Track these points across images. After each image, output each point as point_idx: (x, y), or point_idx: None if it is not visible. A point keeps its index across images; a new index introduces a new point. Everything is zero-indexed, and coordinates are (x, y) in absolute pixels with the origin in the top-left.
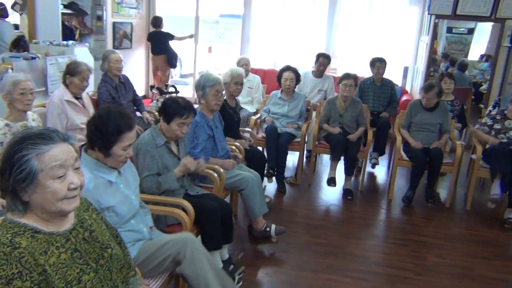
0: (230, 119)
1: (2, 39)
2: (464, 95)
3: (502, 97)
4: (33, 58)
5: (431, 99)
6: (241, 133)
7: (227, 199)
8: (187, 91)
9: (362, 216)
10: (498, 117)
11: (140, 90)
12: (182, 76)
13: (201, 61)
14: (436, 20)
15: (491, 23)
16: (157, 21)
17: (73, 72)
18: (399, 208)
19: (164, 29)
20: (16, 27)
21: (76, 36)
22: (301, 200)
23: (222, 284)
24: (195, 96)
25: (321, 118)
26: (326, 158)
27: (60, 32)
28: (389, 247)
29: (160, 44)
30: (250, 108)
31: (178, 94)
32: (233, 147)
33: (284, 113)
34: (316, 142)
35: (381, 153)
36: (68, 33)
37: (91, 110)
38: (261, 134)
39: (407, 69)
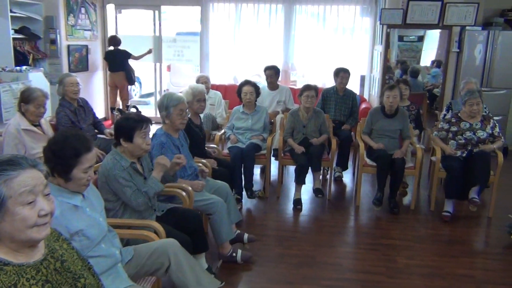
0: (196, 137)
1: None
2: (419, 100)
3: (453, 100)
4: None
5: (396, 96)
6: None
7: None
8: (148, 111)
9: (332, 224)
10: (453, 120)
11: (100, 113)
12: (142, 96)
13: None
14: (388, 30)
15: (439, 30)
16: (114, 40)
17: (27, 99)
18: (367, 214)
19: (123, 48)
20: None
21: (30, 61)
22: (271, 213)
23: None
24: (157, 115)
25: (286, 131)
26: (293, 169)
27: (12, 58)
28: (360, 253)
29: (117, 62)
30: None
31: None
32: (200, 164)
33: (249, 127)
34: (282, 154)
35: (344, 167)
36: (21, 59)
37: (51, 136)
38: (226, 151)
39: (363, 78)
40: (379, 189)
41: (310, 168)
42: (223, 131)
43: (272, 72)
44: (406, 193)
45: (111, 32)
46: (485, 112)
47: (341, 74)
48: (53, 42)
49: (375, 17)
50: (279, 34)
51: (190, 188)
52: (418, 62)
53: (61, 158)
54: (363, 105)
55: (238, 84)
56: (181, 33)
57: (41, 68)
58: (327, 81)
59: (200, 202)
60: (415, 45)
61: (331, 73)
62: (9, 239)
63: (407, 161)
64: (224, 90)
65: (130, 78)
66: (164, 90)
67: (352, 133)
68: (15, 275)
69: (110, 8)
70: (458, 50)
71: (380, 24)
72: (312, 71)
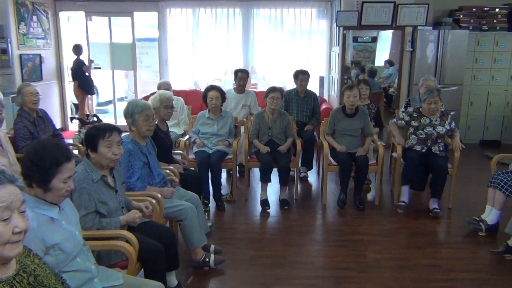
0: (163, 143)
1: None
2: (377, 98)
3: (411, 97)
4: None
5: (356, 96)
6: (173, 156)
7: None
8: (108, 120)
9: (301, 224)
10: (414, 115)
11: (56, 123)
12: (99, 104)
13: (118, 87)
14: (344, 32)
15: (391, 31)
16: (76, 49)
17: None
18: (334, 212)
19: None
20: None
21: None
22: (240, 216)
23: None
24: (118, 123)
25: (251, 132)
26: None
27: None
28: (330, 250)
29: (73, 71)
30: (178, 130)
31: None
32: (168, 171)
33: (214, 132)
34: (248, 157)
35: (309, 167)
36: None
37: (10, 150)
38: (191, 156)
39: (322, 79)
40: (342, 191)
41: (278, 177)
42: (187, 136)
43: (245, 75)
44: (369, 189)
45: (63, 40)
46: (443, 108)
47: (300, 76)
48: (4, 51)
49: (331, 19)
50: (238, 38)
51: (159, 196)
52: (373, 62)
53: (40, 168)
54: (324, 106)
55: (199, 89)
56: (139, 39)
57: None
58: (287, 83)
59: (170, 209)
60: (369, 45)
61: (291, 75)
62: None
63: (370, 158)
64: (185, 95)
65: (86, 88)
66: (124, 98)
67: (315, 133)
68: None
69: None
70: (411, 49)
71: (337, 26)
72: (272, 74)
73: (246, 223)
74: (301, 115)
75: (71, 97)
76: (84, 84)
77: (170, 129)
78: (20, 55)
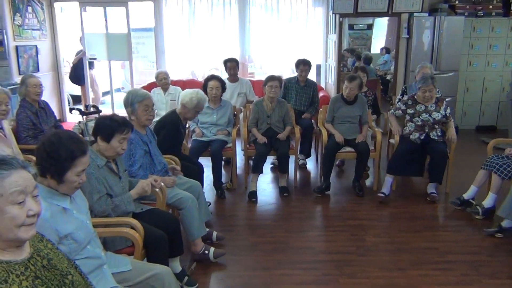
0: (181, 137)
1: None
2: (374, 86)
3: (407, 85)
4: None
5: (353, 88)
6: None
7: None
8: (105, 110)
9: (301, 210)
10: (409, 102)
11: None
12: None
13: (115, 77)
14: (341, 19)
15: (387, 18)
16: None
17: None
18: (333, 198)
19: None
20: None
21: None
22: (241, 203)
23: None
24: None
25: (250, 121)
26: None
27: None
28: (330, 235)
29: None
30: None
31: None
32: (169, 160)
33: (214, 122)
34: (248, 145)
35: (307, 154)
36: None
37: (13, 140)
38: (190, 145)
39: (319, 67)
40: (326, 179)
41: (278, 164)
42: (187, 126)
43: (235, 64)
44: (368, 175)
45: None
46: (439, 94)
47: (301, 66)
48: (0, 43)
49: (327, 7)
50: (234, 27)
51: (162, 184)
52: (369, 49)
53: (55, 160)
54: (321, 94)
55: (196, 79)
56: (135, 29)
57: None
58: (284, 71)
59: (171, 199)
60: (365, 33)
61: (288, 64)
62: None
63: (368, 145)
64: (183, 85)
65: (75, 78)
66: (121, 88)
67: (312, 121)
68: (4, 271)
69: (57, 6)
70: (407, 36)
71: (333, 13)
72: (269, 62)
73: (247, 210)
74: (299, 103)
75: (68, 89)
76: (72, 74)
77: None
78: (16, 47)
